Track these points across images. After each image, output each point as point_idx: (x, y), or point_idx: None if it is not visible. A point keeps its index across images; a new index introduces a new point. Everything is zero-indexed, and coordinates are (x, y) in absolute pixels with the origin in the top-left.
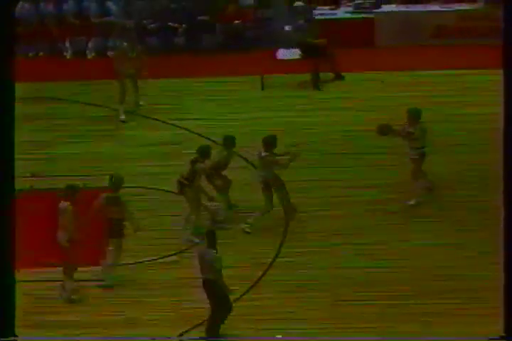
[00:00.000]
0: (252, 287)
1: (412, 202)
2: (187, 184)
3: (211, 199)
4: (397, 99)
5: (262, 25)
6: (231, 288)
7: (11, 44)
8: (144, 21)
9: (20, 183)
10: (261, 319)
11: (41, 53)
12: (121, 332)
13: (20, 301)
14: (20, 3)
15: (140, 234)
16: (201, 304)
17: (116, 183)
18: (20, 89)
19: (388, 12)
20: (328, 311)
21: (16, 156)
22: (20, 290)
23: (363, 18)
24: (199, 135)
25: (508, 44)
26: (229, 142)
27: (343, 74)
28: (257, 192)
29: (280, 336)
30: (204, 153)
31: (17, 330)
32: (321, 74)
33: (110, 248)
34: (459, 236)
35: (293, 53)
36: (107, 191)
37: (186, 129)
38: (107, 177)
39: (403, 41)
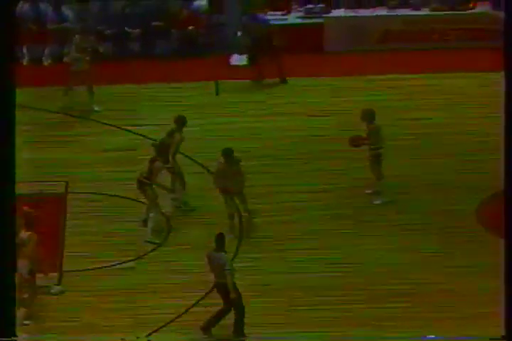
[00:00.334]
0: (208, 293)
1: (377, 202)
2: (146, 182)
3: (171, 191)
4: (346, 104)
5: (215, 31)
6: (187, 293)
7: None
8: (99, 27)
9: None
10: (218, 324)
11: None
12: (77, 337)
13: None
14: None
15: (97, 241)
16: (158, 310)
17: None
18: None
19: (337, 17)
20: (282, 316)
21: None
22: None
23: (312, 23)
24: (154, 141)
25: (508, 47)
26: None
27: (289, 79)
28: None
29: None
30: (160, 151)
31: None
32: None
33: None
34: (411, 240)
35: (246, 59)
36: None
37: (142, 135)
38: (64, 183)
39: (351, 46)
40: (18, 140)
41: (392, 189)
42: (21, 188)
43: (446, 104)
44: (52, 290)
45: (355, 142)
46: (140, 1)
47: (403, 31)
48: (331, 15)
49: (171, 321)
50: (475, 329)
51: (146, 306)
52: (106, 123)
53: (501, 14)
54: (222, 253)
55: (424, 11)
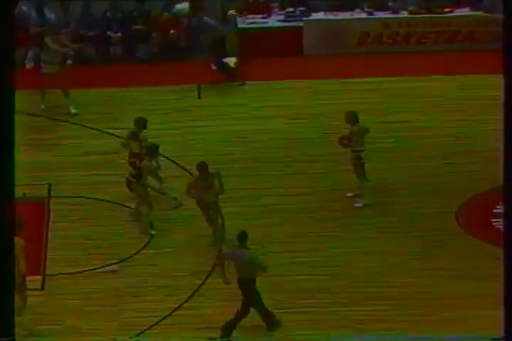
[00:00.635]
0: (191, 296)
1: (358, 204)
2: (134, 181)
3: (161, 192)
4: (326, 107)
5: (196, 34)
6: (170, 297)
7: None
8: (80, 31)
9: None
10: (200, 327)
11: None
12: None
13: None
14: None
15: (80, 244)
16: (141, 313)
17: None
18: None
19: (316, 20)
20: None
21: None
22: None
23: (292, 26)
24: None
25: (507, 49)
26: (152, 152)
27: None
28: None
29: None
30: (151, 151)
31: None
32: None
33: None
34: (391, 243)
35: (228, 62)
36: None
37: (124, 138)
38: (47, 186)
39: (331, 49)
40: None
41: (372, 192)
42: None
43: (424, 107)
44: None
45: (343, 142)
46: (121, 4)
47: (382, 34)
48: (310, 18)
49: (155, 324)
50: (455, 331)
51: (129, 309)
52: (88, 127)
53: (479, 17)
54: (246, 249)
55: (403, 14)
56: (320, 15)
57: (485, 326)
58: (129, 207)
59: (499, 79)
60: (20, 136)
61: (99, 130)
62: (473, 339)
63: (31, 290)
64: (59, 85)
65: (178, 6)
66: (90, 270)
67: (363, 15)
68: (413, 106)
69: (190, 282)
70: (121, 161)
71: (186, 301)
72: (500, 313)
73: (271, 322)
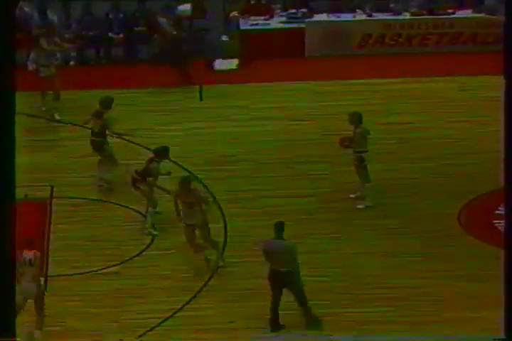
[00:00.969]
0: (193, 297)
1: (360, 206)
2: (139, 179)
3: (169, 193)
4: (328, 109)
5: (197, 36)
6: (172, 298)
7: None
8: (83, 32)
9: None
10: (202, 329)
11: None
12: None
13: None
14: None
15: (82, 245)
16: (143, 315)
17: None
18: None
19: (318, 22)
20: (267, 320)
21: None
22: None
23: (294, 28)
24: (138, 145)
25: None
26: (161, 153)
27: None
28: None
29: None
30: (160, 153)
31: None
32: None
33: None
34: (391, 245)
35: (229, 63)
36: None
37: (125, 140)
38: (48, 187)
39: (332, 50)
40: (2, 145)
41: (373, 193)
42: None
43: (426, 108)
44: None
45: (345, 144)
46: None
47: (384, 35)
48: (312, 19)
49: (157, 326)
50: (457, 332)
51: (131, 311)
52: (89, 128)
53: (481, 18)
54: (283, 240)
55: (404, 16)
56: (322, 17)
57: (487, 327)
58: (131, 208)
59: (501, 81)
60: (21, 137)
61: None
62: (475, 340)
63: None
64: (55, 87)
65: (180, 8)
66: (92, 271)
67: (364, 16)
68: (415, 108)
69: (192, 283)
70: (123, 162)
71: (188, 303)
72: (502, 314)
73: (275, 321)
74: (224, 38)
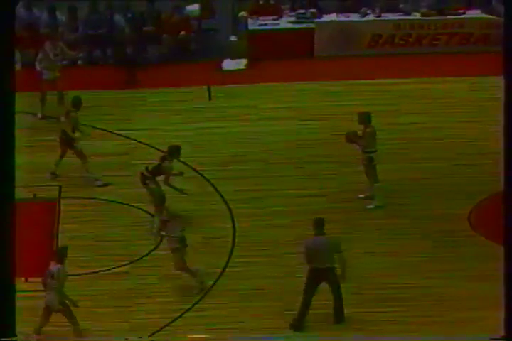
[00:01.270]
0: (202, 297)
1: (370, 206)
2: (149, 177)
3: (183, 192)
4: (337, 109)
5: (206, 36)
6: (182, 298)
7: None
8: (90, 32)
9: None
10: (211, 329)
11: None
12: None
13: None
14: None
15: (90, 245)
16: (152, 314)
17: None
18: None
19: (328, 22)
20: (276, 320)
21: None
22: None
23: (303, 28)
24: (148, 145)
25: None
26: (174, 152)
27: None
28: (206, 202)
29: None
30: (172, 152)
31: None
32: None
33: None
34: (401, 245)
35: (238, 63)
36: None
37: (134, 140)
38: (57, 188)
39: (342, 51)
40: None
41: (383, 193)
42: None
43: (436, 108)
44: None
45: (351, 138)
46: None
47: (394, 36)
48: (321, 19)
49: (166, 325)
50: (465, 333)
51: (140, 310)
52: (99, 128)
53: (491, 19)
54: (326, 237)
55: (414, 16)
56: (331, 17)
57: (498, 327)
58: (141, 208)
59: None
60: (30, 138)
61: (111, 131)
62: (483, 339)
63: (42, 291)
64: (58, 90)
65: (189, 8)
66: (101, 271)
67: (372, 16)
68: (424, 108)
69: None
70: (132, 162)
71: (197, 302)
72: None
73: (301, 320)
74: (232, 38)
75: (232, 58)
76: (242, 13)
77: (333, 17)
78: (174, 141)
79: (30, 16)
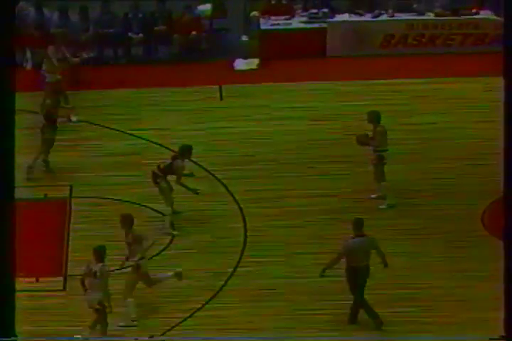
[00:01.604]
0: (213, 297)
1: (382, 206)
2: (161, 175)
3: (195, 192)
4: (349, 109)
5: (217, 36)
6: (192, 298)
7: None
8: (101, 31)
9: None
10: (222, 329)
11: None
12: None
13: None
14: None
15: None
16: (163, 314)
17: None
18: None
19: (340, 22)
20: (288, 321)
21: None
22: None
23: (315, 28)
24: (160, 145)
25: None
26: (185, 152)
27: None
28: (216, 202)
29: None
30: (184, 152)
31: None
32: None
33: None
34: (414, 245)
35: (250, 63)
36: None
37: (146, 139)
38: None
39: (354, 51)
40: (23, 144)
41: (395, 193)
42: (26, 192)
43: (449, 108)
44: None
45: (361, 140)
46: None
47: (407, 36)
48: (334, 19)
49: (176, 325)
50: (477, 333)
51: (150, 310)
52: (109, 128)
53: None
54: (365, 237)
55: (428, 16)
56: (344, 17)
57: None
58: (151, 208)
59: None
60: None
61: (122, 131)
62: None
63: (53, 291)
64: (61, 92)
65: (201, 8)
66: (111, 271)
67: (385, 16)
68: (438, 108)
69: (212, 283)
70: (143, 162)
71: (207, 302)
72: None
73: (355, 315)
74: (244, 37)
75: (244, 58)
76: (254, 13)
77: (345, 17)
78: (185, 140)
79: (40, 16)
